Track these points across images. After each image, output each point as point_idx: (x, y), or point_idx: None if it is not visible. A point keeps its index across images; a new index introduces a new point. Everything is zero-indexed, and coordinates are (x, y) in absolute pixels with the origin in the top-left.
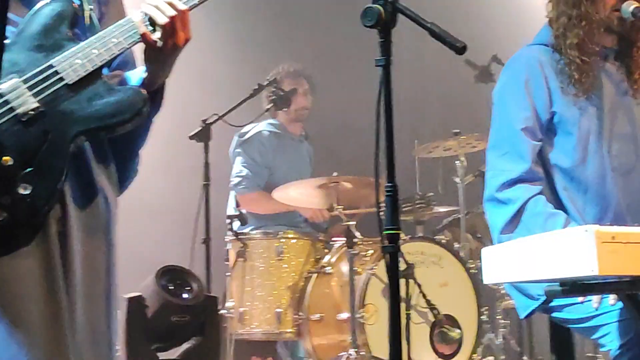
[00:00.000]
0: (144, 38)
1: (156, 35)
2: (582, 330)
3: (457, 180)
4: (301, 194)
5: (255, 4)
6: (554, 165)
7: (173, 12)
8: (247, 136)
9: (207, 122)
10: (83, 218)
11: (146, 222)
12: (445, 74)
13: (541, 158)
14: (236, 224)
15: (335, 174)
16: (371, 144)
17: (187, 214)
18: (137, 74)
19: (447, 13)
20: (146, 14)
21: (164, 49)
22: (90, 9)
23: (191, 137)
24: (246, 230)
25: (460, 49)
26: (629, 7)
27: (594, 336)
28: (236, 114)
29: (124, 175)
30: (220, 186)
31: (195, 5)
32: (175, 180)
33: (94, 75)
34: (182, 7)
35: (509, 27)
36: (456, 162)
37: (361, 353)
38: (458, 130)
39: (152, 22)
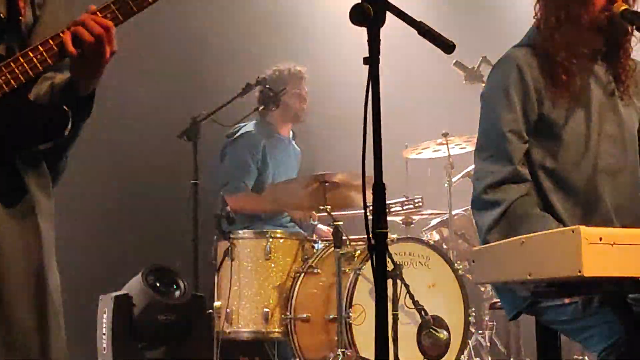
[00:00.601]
0: (71, 55)
1: (80, 51)
2: (568, 332)
3: (446, 181)
4: (289, 194)
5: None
6: (540, 167)
7: (100, 30)
8: (235, 136)
9: (196, 120)
10: (10, 214)
11: (134, 221)
12: (434, 75)
13: (528, 159)
14: (224, 224)
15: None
16: (360, 143)
17: (175, 212)
18: (64, 83)
19: (437, 14)
20: (74, 32)
21: (91, 64)
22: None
23: (180, 136)
24: (234, 229)
25: (450, 48)
26: (617, 9)
27: (580, 338)
28: (226, 112)
29: (52, 174)
30: (209, 185)
31: (121, 22)
32: (163, 178)
33: (19, 93)
34: (108, 24)
35: (498, 28)
36: (445, 163)
37: (348, 353)
38: (447, 132)
39: (80, 39)
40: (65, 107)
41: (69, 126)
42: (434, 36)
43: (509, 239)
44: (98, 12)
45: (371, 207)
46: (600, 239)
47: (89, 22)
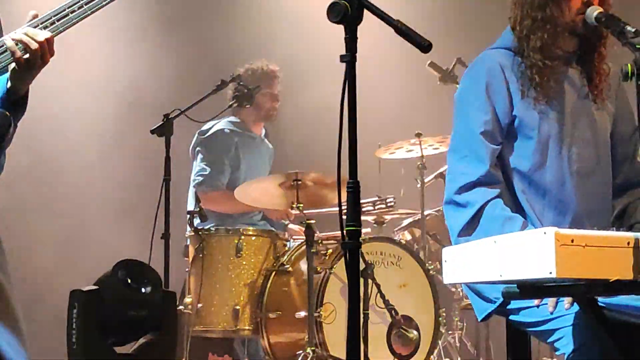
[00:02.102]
0: (17, 60)
1: (26, 57)
2: (538, 333)
3: (418, 181)
4: (262, 193)
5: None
6: (513, 169)
7: (42, 39)
8: (208, 133)
9: (169, 116)
10: None
11: (105, 216)
12: (409, 75)
13: (501, 161)
14: (196, 220)
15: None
16: (334, 142)
17: (147, 208)
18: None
19: (412, 14)
20: (18, 40)
21: (32, 68)
22: None
23: (152, 132)
24: (206, 226)
25: (426, 47)
26: (593, 12)
27: (550, 339)
28: (199, 109)
29: None
30: (181, 181)
31: (60, 32)
32: (135, 174)
33: None
34: (48, 34)
35: (472, 29)
36: (418, 163)
37: (318, 352)
38: (420, 132)
39: (24, 47)
40: (7, 112)
41: (12, 129)
42: (411, 35)
43: (481, 240)
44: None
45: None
46: (572, 241)
47: (32, 32)
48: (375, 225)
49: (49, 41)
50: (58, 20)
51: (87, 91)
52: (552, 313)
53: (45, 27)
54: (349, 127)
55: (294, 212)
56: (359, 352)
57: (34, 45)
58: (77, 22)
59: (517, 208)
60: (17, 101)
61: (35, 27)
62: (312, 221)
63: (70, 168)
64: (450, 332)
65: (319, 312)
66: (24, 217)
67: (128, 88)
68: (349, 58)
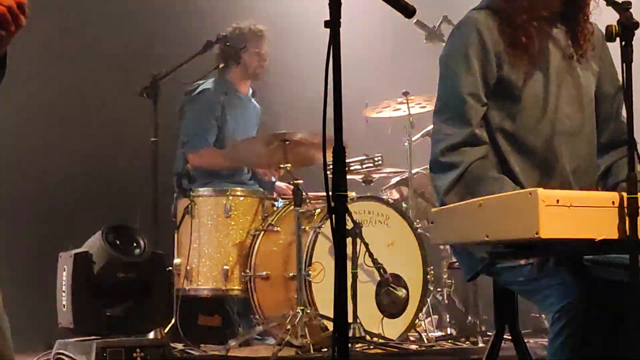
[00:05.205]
0: None
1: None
2: (525, 292)
3: (406, 140)
4: (250, 152)
5: None
6: (499, 129)
7: (9, 2)
8: (194, 93)
9: (156, 77)
10: None
11: (94, 178)
12: (395, 34)
13: (486, 122)
14: (185, 182)
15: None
16: (321, 102)
17: (135, 170)
18: None
19: None
20: None
21: (5, 33)
22: None
23: (140, 93)
24: (194, 187)
25: (410, 13)
26: None
27: (536, 298)
28: (186, 70)
29: None
30: (169, 143)
31: None
32: (123, 136)
33: None
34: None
35: None
36: (405, 122)
37: (308, 311)
38: (407, 91)
39: None
40: None
41: None
42: (395, 0)
43: (467, 201)
44: None
45: (331, 167)
46: (558, 201)
47: None
48: (363, 184)
49: (20, 4)
50: None
51: (76, 53)
52: (539, 272)
53: None
54: (334, 93)
55: (280, 170)
56: (346, 313)
57: (2, 9)
58: None
59: (503, 168)
60: None
61: None
62: (300, 181)
63: (58, 129)
64: (439, 289)
65: (307, 272)
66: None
67: (115, 50)
68: (333, 22)
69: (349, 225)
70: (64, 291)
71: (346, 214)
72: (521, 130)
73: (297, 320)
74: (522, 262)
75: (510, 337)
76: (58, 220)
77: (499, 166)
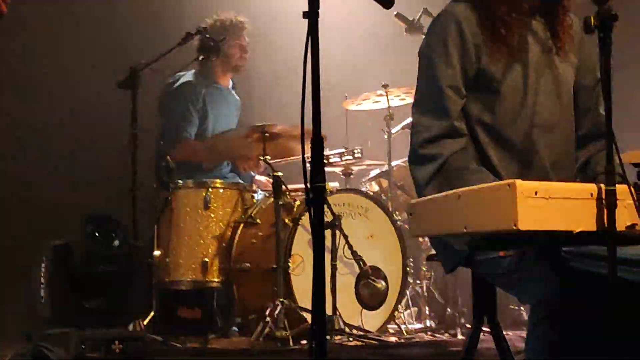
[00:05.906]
0: None
1: None
2: (503, 284)
3: (385, 132)
4: (230, 144)
5: None
6: (478, 121)
7: None
8: (174, 86)
9: (135, 69)
10: None
11: (74, 170)
12: (375, 26)
13: (465, 114)
14: (164, 174)
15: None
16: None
17: (115, 162)
18: None
19: None
20: None
21: None
22: None
23: (119, 85)
24: (174, 180)
25: (389, 4)
26: None
27: (515, 290)
28: (165, 62)
29: None
30: (149, 135)
31: None
32: (103, 128)
33: None
34: None
35: None
36: (385, 115)
37: (287, 303)
38: (387, 83)
39: None
40: None
41: None
42: None
43: (446, 193)
44: None
45: (310, 159)
46: (536, 193)
47: None
48: (342, 176)
49: None
50: None
51: (55, 44)
52: (517, 264)
53: None
54: (312, 85)
55: (262, 163)
56: (324, 306)
57: None
58: None
59: (482, 160)
60: None
61: None
62: (280, 173)
63: (37, 120)
64: (418, 281)
65: (287, 264)
66: None
67: (95, 41)
68: (312, 14)
69: (329, 217)
70: (42, 283)
71: (325, 206)
72: (500, 123)
73: (277, 312)
74: (501, 253)
75: (489, 329)
76: (40, 211)
77: (477, 158)
